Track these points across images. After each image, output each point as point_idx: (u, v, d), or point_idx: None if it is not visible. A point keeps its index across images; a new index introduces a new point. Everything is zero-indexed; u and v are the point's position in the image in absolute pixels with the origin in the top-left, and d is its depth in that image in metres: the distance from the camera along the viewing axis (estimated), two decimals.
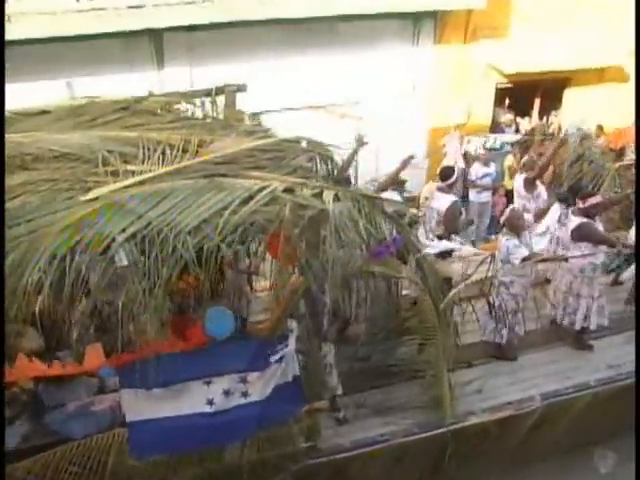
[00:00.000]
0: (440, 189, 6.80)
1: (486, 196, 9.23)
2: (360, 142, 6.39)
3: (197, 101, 5.88)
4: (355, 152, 7.03)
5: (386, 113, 9.75)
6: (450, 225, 6.57)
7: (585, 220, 6.19)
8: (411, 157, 6.68)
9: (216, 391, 4.67)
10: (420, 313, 5.35)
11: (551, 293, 6.61)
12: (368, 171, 7.90)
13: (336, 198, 4.66)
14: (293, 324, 4.65)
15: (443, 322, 5.28)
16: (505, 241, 6.00)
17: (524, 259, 5.89)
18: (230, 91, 5.90)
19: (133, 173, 4.49)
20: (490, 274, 5.64)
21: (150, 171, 4.51)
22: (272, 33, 9.35)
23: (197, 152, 4.83)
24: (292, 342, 4.66)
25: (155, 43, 9.00)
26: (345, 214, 4.42)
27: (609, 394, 6.21)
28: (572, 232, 6.23)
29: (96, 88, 6.10)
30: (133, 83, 7.81)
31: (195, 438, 4.74)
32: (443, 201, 6.67)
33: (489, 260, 5.70)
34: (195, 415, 4.68)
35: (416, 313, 5.37)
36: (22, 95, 5.63)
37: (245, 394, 4.74)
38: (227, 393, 4.68)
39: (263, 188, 4.50)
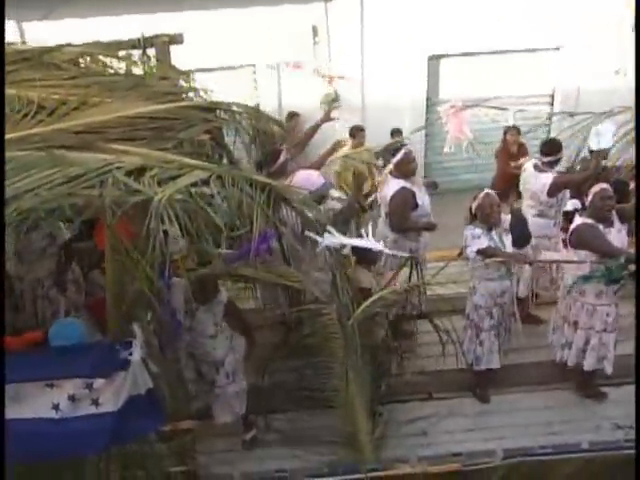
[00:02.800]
0: (393, 172, 5.32)
1: None
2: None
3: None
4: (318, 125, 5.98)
5: None
6: (396, 220, 5.20)
7: (588, 221, 4.64)
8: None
9: (61, 395, 4.14)
10: (323, 329, 4.28)
11: (554, 315, 5.14)
12: None
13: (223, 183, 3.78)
14: (136, 329, 3.88)
15: (352, 341, 4.12)
16: (466, 230, 4.72)
17: (480, 252, 4.57)
18: (161, 42, 5.05)
19: None
20: (418, 281, 4.33)
21: None
22: None
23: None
24: (137, 349, 3.92)
25: None
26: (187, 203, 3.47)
27: (607, 465, 4.68)
28: (570, 235, 4.73)
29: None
30: None
31: (44, 445, 4.25)
32: (391, 186, 5.24)
33: (410, 264, 4.36)
34: (41, 420, 4.20)
35: (319, 329, 4.31)
36: None
37: (96, 402, 4.15)
38: (73, 399, 4.14)
39: (105, 165, 3.71)
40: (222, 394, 4.53)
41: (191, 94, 4.71)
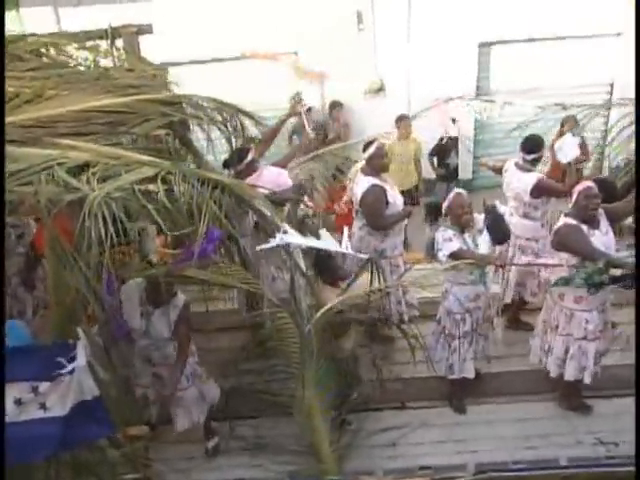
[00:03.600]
0: (364, 169, 5.05)
1: None
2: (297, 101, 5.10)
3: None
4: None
5: None
6: (373, 219, 4.94)
7: (571, 222, 4.33)
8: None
9: (6, 399, 4.00)
10: (279, 333, 4.08)
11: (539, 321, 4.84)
12: None
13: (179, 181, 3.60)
14: (80, 333, 3.72)
15: (308, 345, 3.89)
16: (437, 232, 4.47)
17: (452, 255, 4.32)
18: (129, 33, 4.89)
19: None
20: (379, 285, 4.06)
21: None
22: None
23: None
24: (82, 353, 3.76)
25: None
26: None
27: None
28: (553, 236, 4.45)
29: None
30: None
31: None
32: (361, 184, 4.97)
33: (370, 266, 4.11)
34: None
35: (276, 332, 4.10)
36: None
37: (44, 406, 4.02)
38: (19, 402, 4.00)
39: (48, 161, 3.56)
40: (182, 398, 4.36)
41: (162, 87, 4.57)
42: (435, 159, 8.12)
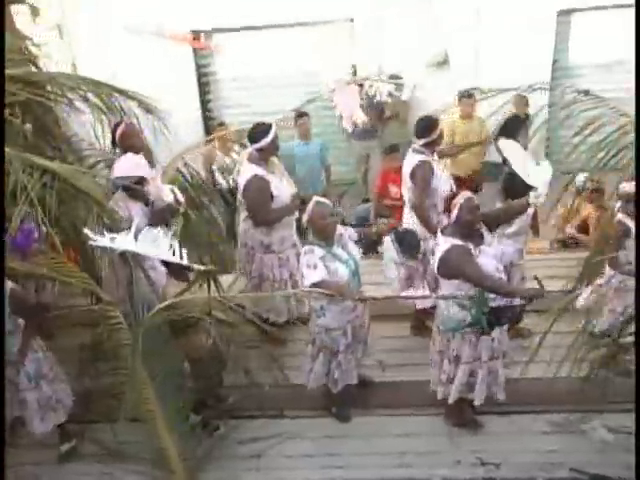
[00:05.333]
0: (251, 157, 4.60)
1: None
2: None
3: None
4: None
5: None
6: (256, 214, 4.56)
7: (457, 242, 3.84)
8: None
9: None
10: (112, 333, 3.79)
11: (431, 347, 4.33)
12: None
13: None
14: None
15: (135, 346, 3.57)
16: (302, 255, 4.00)
17: (314, 285, 3.84)
18: None
19: None
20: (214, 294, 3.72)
21: None
22: None
23: None
24: None
25: None
26: None
27: None
28: (440, 262, 3.89)
29: None
30: None
31: None
32: (244, 174, 4.57)
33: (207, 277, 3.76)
34: None
35: (109, 333, 3.81)
36: None
37: None
38: None
39: None
40: (29, 400, 4.11)
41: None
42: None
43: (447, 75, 7.97)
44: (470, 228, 3.89)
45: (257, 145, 4.52)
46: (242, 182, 4.60)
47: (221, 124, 7.34)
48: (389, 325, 5.18)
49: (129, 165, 4.10)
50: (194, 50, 8.67)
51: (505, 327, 4.07)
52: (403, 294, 4.27)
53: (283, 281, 4.78)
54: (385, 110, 7.75)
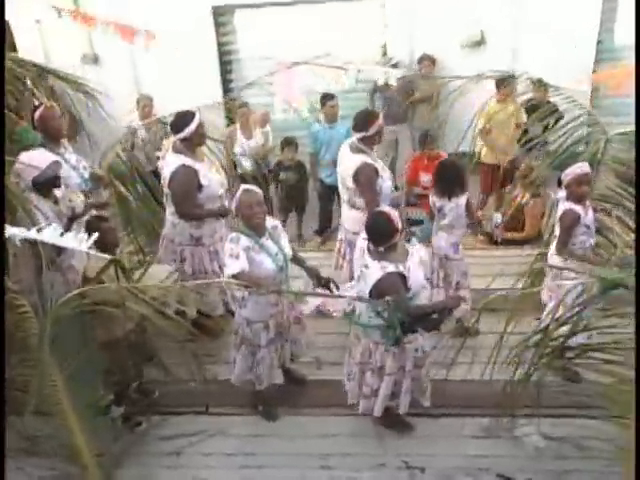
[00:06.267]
0: (175, 147, 4.42)
1: None
2: None
3: None
4: None
5: None
6: (178, 204, 4.39)
7: (390, 270, 3.57)
8: None
9: None
10: (24, 323, 3.63)
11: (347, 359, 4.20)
12: None
13: None
14: None
15: (42, 336, 3.43)
16: (228, 242, 3.85)
17: (234, 276, 3.71)
18: None
19: None
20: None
21: None
22: None
23: None
24: None
25: None
26: None
27: None
28: (373, 291, 3.65)
29: None
30: None
31: None
32: (169, 165, 4.39)
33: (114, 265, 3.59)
34: None
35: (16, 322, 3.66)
36: None
37: None
38: None
39: None
40: None
41: None
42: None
43: (483, 56, 7.55)
44: (392, 249, 3.66)
45: (181, 135, 4.36)
46: (168, 173, 4.41)
47: (243, 105, 6.97)
48: (330, 321, 5.07)
49: (37, 160, 3.92)
50: (216, 27, 8.29)
51: (430, 334, 3.94)
52: (319, 291, 4.09)
53: (215, 274, 4.63)
54: (416, 91, 7.42)
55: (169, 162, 4.42)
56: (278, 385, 4.45)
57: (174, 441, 4.23)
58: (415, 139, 7.22)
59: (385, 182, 4.44)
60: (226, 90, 8.63)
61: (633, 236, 4.49)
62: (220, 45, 8.47)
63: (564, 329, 3.49)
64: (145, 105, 7.12)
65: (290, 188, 6.98)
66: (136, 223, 5.24)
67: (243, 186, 3.91)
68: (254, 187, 3.96)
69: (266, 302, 3.97)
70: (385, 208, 3.72)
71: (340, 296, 3.76)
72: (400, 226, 3.59)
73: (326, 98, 6.46)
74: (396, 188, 7.36)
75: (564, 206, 4.34)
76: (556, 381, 4.17)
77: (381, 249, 3.61)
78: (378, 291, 3.61)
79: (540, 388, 3.63)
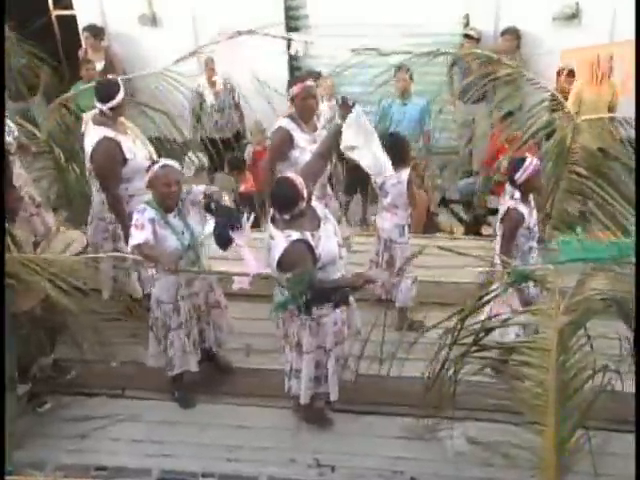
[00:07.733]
0: (96, 119, 4.16)
1: None
2: None
3: None
4: None
5: None
6: (102, 179, 4.16)
7: (295, 238, 3.32)
8: None
9: None
10: None
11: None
12: None
13: None
14: None
15: None
16: (136, 212, 3.64)
17: (135, 247, 3.52)
18: None
19: None
20: None
21: None
22: None
23: None
24: None
25: None
26: None
27: None
28: (278, 262, 3.37)
29: None
30: None
31: None
32: (92, 137, 4.12)
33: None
34: None
35: None
36: None
37: None
38: None
39: None
40: None
41: None
42: None
43: (577, 31, 6.89)
44: (299, 217, 3.37)
45: (109, 104, 4.13)
46: (89, 146, 4.18)
47: (317, 74, 6.23)
48: (263, 307, 4.82)
49: None
50: None
51: (354, 307, 3.71)
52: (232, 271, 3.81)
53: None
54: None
55: (90, 135, 4.19)
56: (204, 372, 4.21)
57: (81, 424, 4.03)
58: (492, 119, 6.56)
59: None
60: (291, 57, 7.73)
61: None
62: (287, 9, 7.88)
63: (477, 325, 3.20)
64: (211, 68, 6.87)
65: (355, 168, 6.39)
66: (73, 196, 5.06)
67: (163, 161, 3.69)
68: (174, 164, 3.73)
69: (173, 282, 3.74)
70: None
71: (244, 274, 3.50)
72: (305, 193, 3.33)
73: (397, 70, 5.81)
74: (471, 173, 7.02)
75: (508, 205, 4.02)
76: (486, 382, 3.87)
77: (286, 217, 3.35)
78: (285, 262, 3.34)
79: (470, 388, 3.37)
